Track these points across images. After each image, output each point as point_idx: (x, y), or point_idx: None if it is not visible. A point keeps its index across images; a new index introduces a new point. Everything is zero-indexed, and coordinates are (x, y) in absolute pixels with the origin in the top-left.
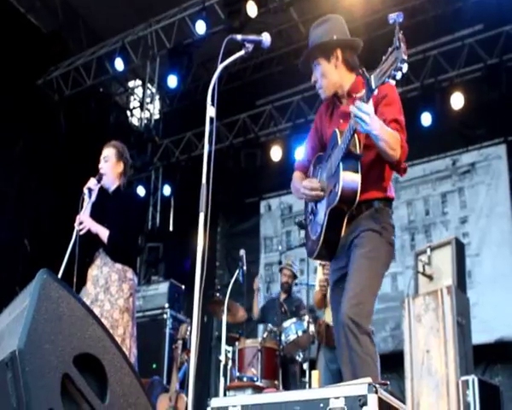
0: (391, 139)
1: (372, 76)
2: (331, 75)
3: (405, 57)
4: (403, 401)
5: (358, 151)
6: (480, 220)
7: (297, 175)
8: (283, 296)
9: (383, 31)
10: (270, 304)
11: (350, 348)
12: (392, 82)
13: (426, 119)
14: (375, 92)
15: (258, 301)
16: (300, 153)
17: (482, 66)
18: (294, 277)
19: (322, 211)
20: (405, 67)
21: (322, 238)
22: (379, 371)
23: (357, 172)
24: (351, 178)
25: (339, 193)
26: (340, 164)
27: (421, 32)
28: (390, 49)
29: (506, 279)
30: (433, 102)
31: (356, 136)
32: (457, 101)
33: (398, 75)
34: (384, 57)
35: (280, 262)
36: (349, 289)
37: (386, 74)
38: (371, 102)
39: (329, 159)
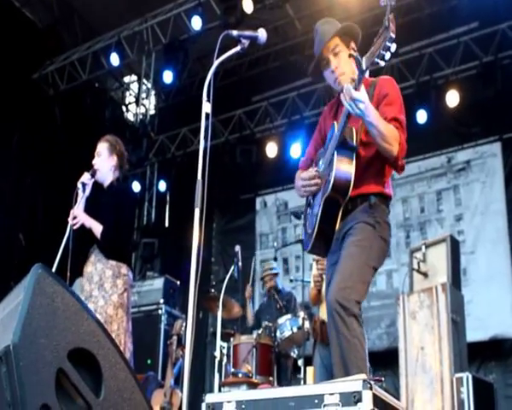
0: (387, 131)
1: (363, 58)
2: (350, 64)
3: (393, 36)
4: (397, 397)
5: (354, 143)
6: (475, 218)
7: (299, 174)
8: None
9: (379, 27)
10: (263, 306)
11: (337, 330)
12: (382, 63)
13: (421, 116)
14: (366, 74)
15: (251, 308)
16: (305, 152)
17: (477, 63)
18: (276, 274)
19: (318, 202)
20: (393, 47)
21: (316, 230)
22: (367, 354)
23: (351, 162)
24: (344, 168)
25: (331, 181)
26: (335, 153)
27: (417, 30)
28: (380, 31)
29: (501, 277)
30: (429, 99)
31: (354, 129)
32: (453, 98)
33: (387, 55)
34: (375, 39)
35: (275, 259)
36: (337, 274)
37: (375, 55)
38: (363, 87)
39: (327, 151)
